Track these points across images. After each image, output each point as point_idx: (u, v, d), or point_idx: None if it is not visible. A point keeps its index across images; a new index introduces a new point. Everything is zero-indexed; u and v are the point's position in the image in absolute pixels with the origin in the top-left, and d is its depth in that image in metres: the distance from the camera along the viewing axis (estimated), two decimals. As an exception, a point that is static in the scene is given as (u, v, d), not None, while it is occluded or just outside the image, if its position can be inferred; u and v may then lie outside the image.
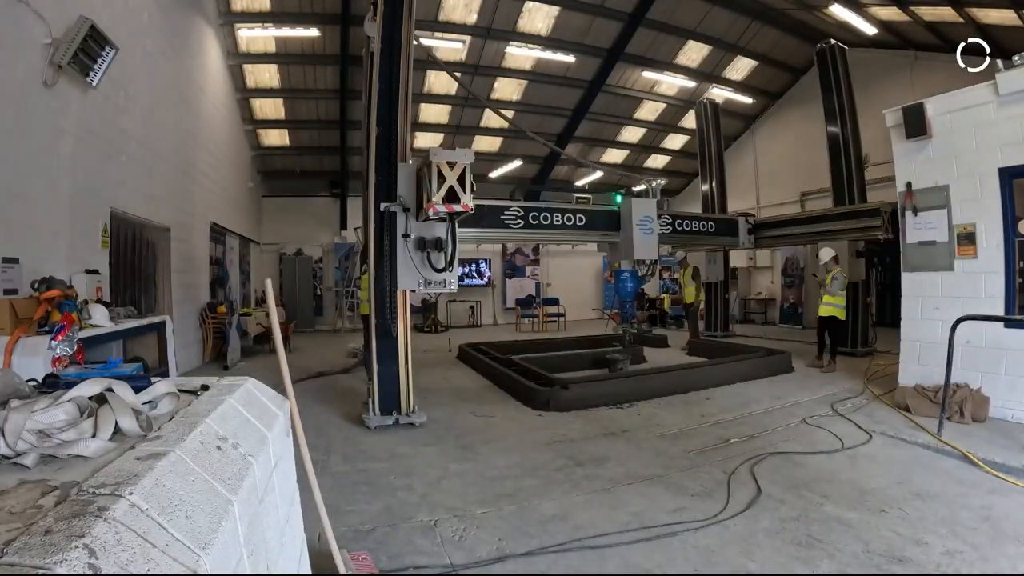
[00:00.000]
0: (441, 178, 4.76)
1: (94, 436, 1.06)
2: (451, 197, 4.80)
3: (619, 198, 7.85)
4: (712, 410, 5.70)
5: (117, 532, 0.75)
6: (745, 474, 3.87)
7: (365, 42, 6.50)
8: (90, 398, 1.16)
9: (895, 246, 5.99)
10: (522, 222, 7.17)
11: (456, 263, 5.39)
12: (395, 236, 5.28)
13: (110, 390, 1.17)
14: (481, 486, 3.78)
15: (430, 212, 4.88)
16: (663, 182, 8.61)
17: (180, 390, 1.50)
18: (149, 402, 1.29)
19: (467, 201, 4.83)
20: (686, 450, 4.48)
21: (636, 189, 9.92)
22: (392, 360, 5.31)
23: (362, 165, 7.55)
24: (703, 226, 9.54)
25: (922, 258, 5.63)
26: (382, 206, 5.23)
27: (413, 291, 5.46)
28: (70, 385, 1.20)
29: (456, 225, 5.32)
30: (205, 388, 1.54)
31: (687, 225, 9.26)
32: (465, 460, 4.32)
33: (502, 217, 7.04)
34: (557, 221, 7.38)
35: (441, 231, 5.36)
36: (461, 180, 4.82)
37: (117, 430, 1.11)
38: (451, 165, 4.80)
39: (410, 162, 5.44)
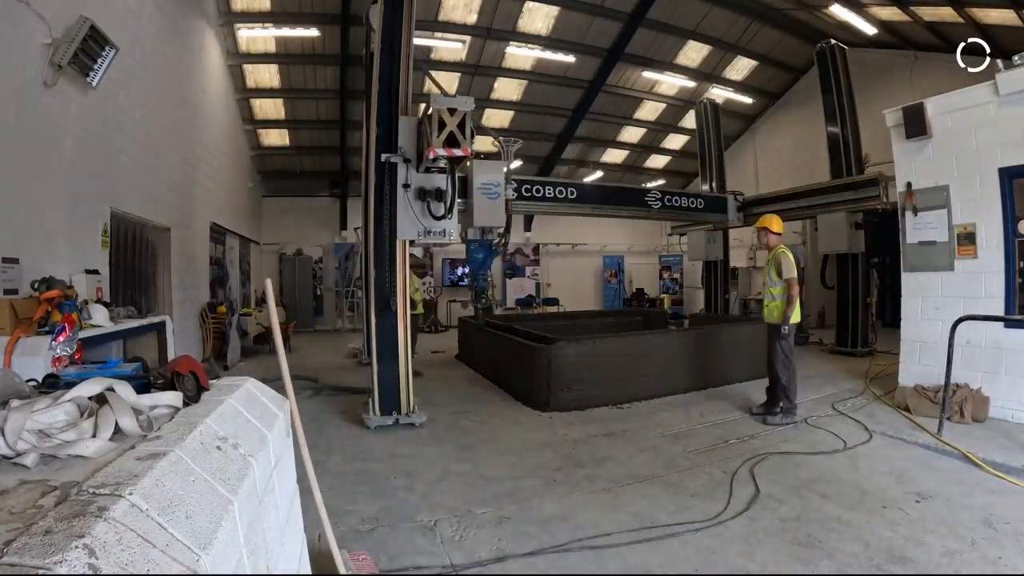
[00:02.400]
0: (442, 125, 4.80)
1: (94, 436, 1.06)
2: (451, 142, 4.83)
3: None
4: (712, 410, 5.70)
5: (117, 532, 0.75)
6: (745, 474, 3.87)
7: (365, 40, 6.49)
8: (90, 398, 1.15)
9: (895, 233, 5.96)
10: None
11: (456, 211, 5.39)
12: (395, 186, 5.28)
13: (111, 389, 1.17)
14: (481, 486, 3.78)
15: (430, 156, 4.90)
16: (519, 143, 7.59)
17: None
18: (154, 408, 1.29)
19: (467, 146, 4.86)
20: (686, 450, 4.48)
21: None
22: (392, 358, 5.29)
23: (362, 165, 7.54)
24: (692, 202, 9.80)
25: (922, 258, 5.63)
26: (383, 156, 5.24)
27: (413, 242, 5.46)
28: (70, 385, 1.20)
29: (456, 173, 5.31)
30: (205, 388, 1.54)
31: (676, 201, 9.48)
32: (465, 460, 4.32)
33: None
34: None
35: (441, 182, 5.37)
36: (461, 127, 4.85)
37: (118, 430, 1.11)
38: (452, 112, 4.83)
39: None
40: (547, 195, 8.05)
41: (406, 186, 5.29)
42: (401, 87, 5.36)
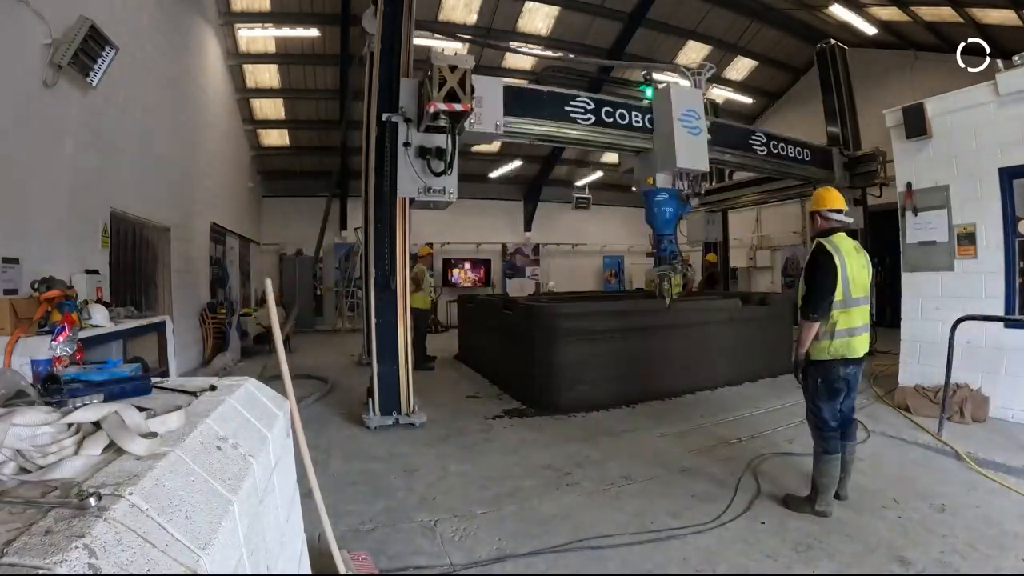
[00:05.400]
0: (443, 82, 4.86)
1: (76, 453, 1.02)
2: (452, 98, 4.89)
3: (650, 91, 5.99)
4: (713, 410, 5.70)
5: (117, 532, 0.75)
6: (746, 474, 3.87)
7: (365, 41, 6.49)
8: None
9: (895, 233, 5.96)
10: (592, 117, 5.79)
11: (456, 167, 5.40)
12: (395, 145, 5.31)
13: (115, 412, 1.12)
14: (481, 486, 3.78)
15: (430, 110, 4.94)
16: (713, 68, 6.51)
17: (181, 390, 1.50)
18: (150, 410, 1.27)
19: (467, 102, 4.91)
20: (687, 450, 4.48)
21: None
22: (392, 358, 5.29)
23: (361, 165, 7.53)
24: (799, 152, 7.94)
25: (922, 258, 5.63)
26: (384, 116, 5.28)
27: (413, 200, 5.45)
28: (70, 386, 1.20)
29: (457, 132, 5.33)
30: (213, 388, 1.54)
31: (783, 149, 7.60)
32: (465, 460, 4.32)
33: (567, 108, 5.74)
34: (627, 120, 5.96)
35: (441, 141, 5.40)
36: (462, 83, 4.90)
37: (108, 450, 1.07)
38: (452, 69, 4.89)
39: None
40: (619, 121, 5.99)
41: (406, 144, 5.32)
42: (403, 49, 5.41)
